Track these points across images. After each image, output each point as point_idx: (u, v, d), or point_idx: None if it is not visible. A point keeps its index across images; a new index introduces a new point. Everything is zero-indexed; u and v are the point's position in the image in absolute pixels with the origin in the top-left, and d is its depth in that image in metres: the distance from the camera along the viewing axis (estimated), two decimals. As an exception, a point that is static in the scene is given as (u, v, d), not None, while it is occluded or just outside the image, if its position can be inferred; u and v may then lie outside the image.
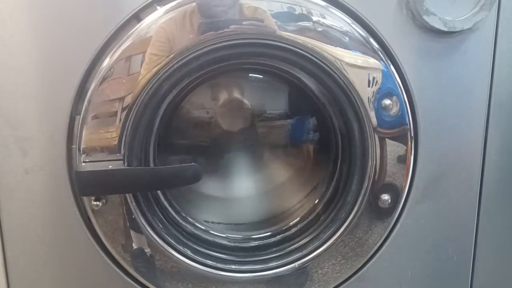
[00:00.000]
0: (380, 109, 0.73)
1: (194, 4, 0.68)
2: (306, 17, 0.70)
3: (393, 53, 0.73)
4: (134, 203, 0.74)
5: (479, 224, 0.82)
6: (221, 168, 0.94)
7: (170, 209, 0.84)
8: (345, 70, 0.72)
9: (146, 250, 0.76)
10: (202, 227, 0.87)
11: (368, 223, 0.78)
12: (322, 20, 0.70)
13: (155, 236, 0.76)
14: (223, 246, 0.85)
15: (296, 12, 0.70)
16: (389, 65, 0.73)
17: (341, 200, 0.81)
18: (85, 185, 0.68)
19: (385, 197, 0.77)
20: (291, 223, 0.89)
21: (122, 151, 0.71)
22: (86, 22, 0.69)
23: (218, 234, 0.87)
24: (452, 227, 0.81)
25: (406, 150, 0.75)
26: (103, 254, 0.77)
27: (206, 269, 0.79)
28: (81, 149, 0.70)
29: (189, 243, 0.80)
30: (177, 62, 0.69)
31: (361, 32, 0.72)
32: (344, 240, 0.79)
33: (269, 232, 0.88)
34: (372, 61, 0.72)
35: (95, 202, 0.72)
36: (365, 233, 0.78)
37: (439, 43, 0.73)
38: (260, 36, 0.70)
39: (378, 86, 0.73)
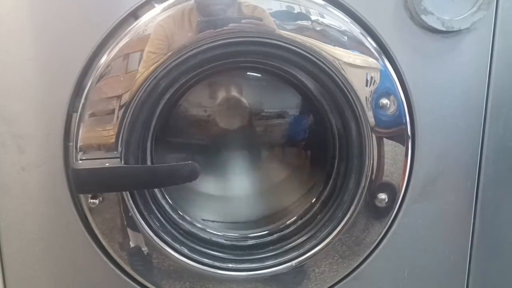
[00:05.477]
0: (377, 109, 0.73)
1: (192, 2, 0.68)
2: (305, 16, 0.70)
3: (391, 53, 0.73)
4: (131, 201, 0.74)
5: (475, 224, 0.82)
6: (219, 167, 0.94)
7: (167, 207, 0.84)
8: (343, 70, 0.72)
9: (143, 249, 0.76)
10: (199, 226, 0.87)
11: (365, 222, 0.78)
12: (321, 19, 0.70)
13: (152, 235, 0.76)
14: (220, 244, 0.85)
15: (295, 11, 0.70)
16: (387, 65, 0.73)
17: (338, 199, 0.82)
18: (82, 183, 0.68)
19: (382, 196, 0.77)
20: (288, 222, 0.89)
21: (119, 149, 0.71)
22: (84, 19, 0.69)
23: (215, 233, 0.87)
24: (448, 227, 0.82)
25: (404, 150, 0.75)
26: (100, 252, 0.77)
27: (203, 267, 0.79)
28: (78, 147, 0.70)
29: (186, 242, 0.80)
30: (175, 60, 0.69)
31: (359, 31, 0.72)
32: (341, 239, 0.79)
33: (266, 230, 0.88)
34: (370, 61, 0.72)
35: (92, 200, 0.72)
36: (362, 232, 0.79)
37: (437, 43, 0.74)
38: (259, 34, 0.70)
39: (376, 85, 0.73)
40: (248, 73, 0.89)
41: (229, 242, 0.86)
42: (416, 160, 0.77)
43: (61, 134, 0.72)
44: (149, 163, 0.81)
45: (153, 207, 0.79)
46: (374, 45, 0.73)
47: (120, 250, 0.76)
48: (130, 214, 0.74)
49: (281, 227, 0.88)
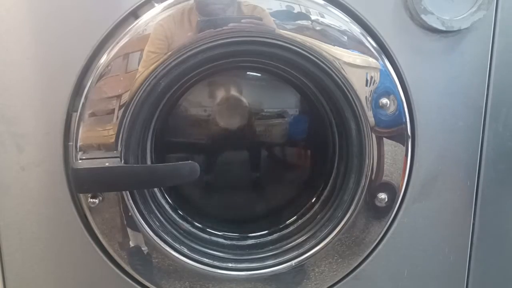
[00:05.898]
0: (377, 108, 0.73)
1: (192, 1, 0.68)
2: (305, 15, 0.70)
3: (391, 52, 0.73)
4: (131, 201, 0.74)
5: (475, 223, 0.82)
6: (218, 166, 0.94)
7: (167, 206, 0.84)
8: (343, 69, 0.72)
9: (143, 248, 0.76)
10: (199, 225, 0.87)
11: (365, 222, 0.78)
12: (321, 19, 0.70)
13: (152, 234, 0.76)
14: (220, 244, 0.85)
15: (295, 11, 0.70)
16: (387, 64, 0.73)
17: (338, 198, 0.82)
18: (82, 182, 0.68)
19: (382, 196, 0.77)
20: (288, 222, 0.89)
21: (119, 149, 0.71)
22: (84, 18, 0.69)
23: (215, 232, 0.87)
24: (448, 227, 0.82)
25: (404, 149, 0.75)
26: (99, 252, 0.77)
27: (203, 267, 0.79)
28: (78, 146, 0.70)
29: (186, 241, 0.80)
30: (174, 60, 0.69)
31: (359, 31, 0.72)
32: (341, 238, 0.79)
33: (266, 230, 0.88)
34: (370, 60, 0.72)
35: (91, 200, 0.72)
36: (362, 232, 0.79)
37: (437, 43, 0.74)
38: (259, 34, 0.70)
39: (376, 85, 0.73)
40: (248, 72, 0.89)
41: (229, 242, 0.86)
42: (416, 159, 0.77)
43: (61, 134, 0.72)
44: (149, 162, 0.81)
45: (153, 206, 0.79)
46: (374, 44, 0.73)
47: (120, 250, 0.76)
48: (130, 214, 0.74)
49: (281, 226, 0.88)
